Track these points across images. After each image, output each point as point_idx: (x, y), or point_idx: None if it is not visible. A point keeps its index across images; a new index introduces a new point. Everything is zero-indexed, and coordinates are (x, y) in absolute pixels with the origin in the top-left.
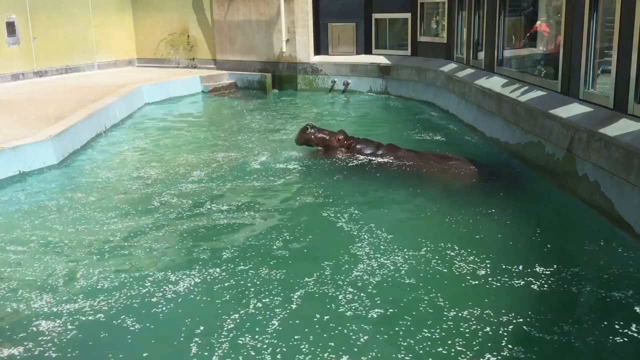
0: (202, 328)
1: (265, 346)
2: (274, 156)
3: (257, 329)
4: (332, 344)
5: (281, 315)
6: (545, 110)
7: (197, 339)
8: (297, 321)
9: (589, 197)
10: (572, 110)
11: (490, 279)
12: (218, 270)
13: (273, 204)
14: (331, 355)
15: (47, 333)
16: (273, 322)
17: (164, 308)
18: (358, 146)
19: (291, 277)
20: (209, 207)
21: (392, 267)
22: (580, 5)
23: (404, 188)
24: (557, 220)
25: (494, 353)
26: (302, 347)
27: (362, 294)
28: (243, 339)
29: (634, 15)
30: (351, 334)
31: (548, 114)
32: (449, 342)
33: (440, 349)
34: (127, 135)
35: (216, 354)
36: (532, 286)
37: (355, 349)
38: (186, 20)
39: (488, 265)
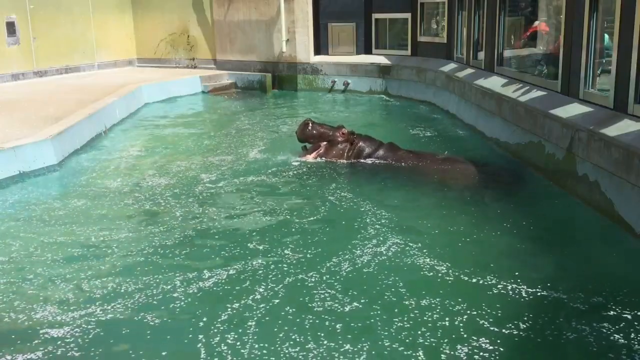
0: (203, 325)
1: (243, 341)
2: (273, 156)
3: (239, 329)
4: (323, 336)
5: (263, 312)
6: (545, 110)
7: (198, 335)
8: (288, 315)
9: (589, 197)
10: (572, 110)
11: (488, 279)
12: (222, 270)
13: (269, 205)
14: (322, 349)
15: (65, 335)
16: (251, 323)
17: (167, 308)
18: (360, 143)
19: (283, 274)
20: (210, 207)
21: (385, 266)
22: (580, 5)
23: (403, 188)
24: (557, 220)
25: (498, 354)
26: (285, 343)
27: (354, 291)
28: (236, 334)
29: (634, 15)
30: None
31: (548, 114)
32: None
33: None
34: (127, 135)
35: (222, 352)
36: (530, 287)
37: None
38: (186, 20)
39: (486, 266)
